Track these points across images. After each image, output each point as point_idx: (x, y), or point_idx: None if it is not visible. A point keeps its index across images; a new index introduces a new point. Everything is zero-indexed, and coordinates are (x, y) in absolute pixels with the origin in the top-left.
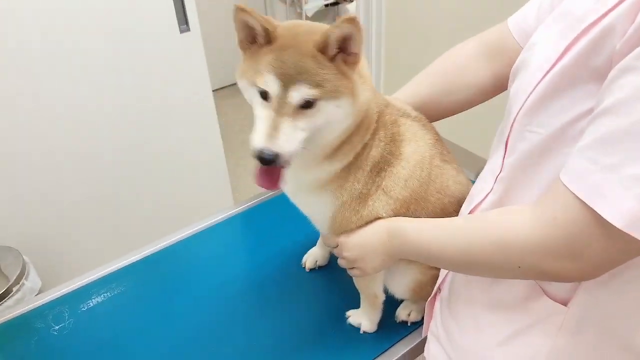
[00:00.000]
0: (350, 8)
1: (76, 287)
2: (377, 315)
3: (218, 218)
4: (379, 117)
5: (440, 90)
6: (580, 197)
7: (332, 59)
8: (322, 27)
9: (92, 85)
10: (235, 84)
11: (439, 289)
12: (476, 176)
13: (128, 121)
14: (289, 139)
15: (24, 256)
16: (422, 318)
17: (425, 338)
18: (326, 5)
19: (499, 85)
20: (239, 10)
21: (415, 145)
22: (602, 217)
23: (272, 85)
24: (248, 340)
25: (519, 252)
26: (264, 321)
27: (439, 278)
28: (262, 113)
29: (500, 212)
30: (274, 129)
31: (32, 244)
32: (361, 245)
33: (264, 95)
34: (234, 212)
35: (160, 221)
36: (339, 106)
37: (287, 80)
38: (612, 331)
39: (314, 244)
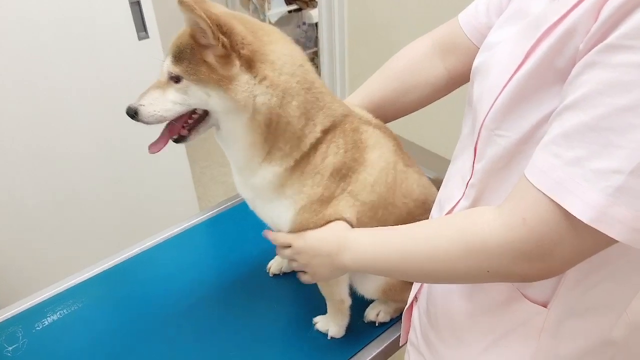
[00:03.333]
0: (314, 13)
1: (30, 305)
2: (344, 320)
3: (182, 227)
4: (338, 125)
5: (395, 89)
6: (546, 193)
7: (202, 47)
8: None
9: (50, 95)
10: None
11: (416, 298)
12: (435, 175)
13: (88, 129)
14: (151, 102)
15: None
16: (391, 319)
17: (399, 344)
18: (289, 12)
19: (453, 82)
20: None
21: (380, 152)
22: (570, 214)
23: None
24: (213, 350)
25: (489, 256)
26: (229, 330)
27: (414, 287)
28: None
29: (464, 216)
30: (146, 92)
31: None
32: (312, 251)
33: None
34: (199, 220)
35: (124, 232)
36: (208, 94)
37: (166, 54)
38: (593, 327)
39: None
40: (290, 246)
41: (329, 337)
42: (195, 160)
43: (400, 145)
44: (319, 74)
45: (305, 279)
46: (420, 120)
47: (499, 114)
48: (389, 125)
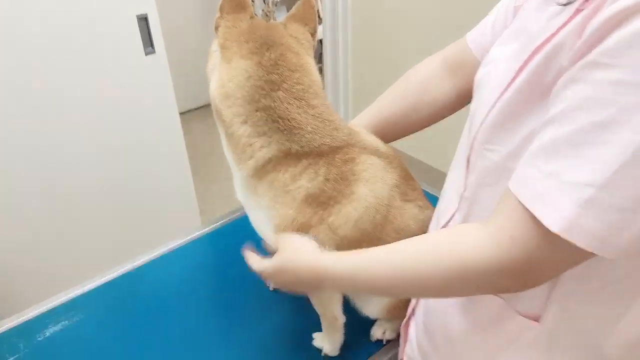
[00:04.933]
0: (319, 30)
1: (32, 316)
2: (338, 338)
3: (183, 240)
4: (323, 155)
5: (404, 107)
6: (526, 206)
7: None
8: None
9: (55, 109)
10: (204, 105)
11: (413, 312)
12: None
13: (92, 143)
14: None
15: None
16: (398, 336)
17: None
18: None
19: (462, 100)
20: None
21: (372, 187)
22: (546, 228)
23: None
24: None
25: (477, 275)
26: (229, 344)
27: (412, 301)
28: None
29: (450, 234)
30: None
31: None
32: (289, 285)
33: None
34: (200, 234)
35: (126, 247)
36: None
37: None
38: (584, 342)
39: None
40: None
41: (322, 354)
42: (198, 174)
43: (406, 176)
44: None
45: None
46: (430, 138)
47: (490, 128)
48: (399, 142)
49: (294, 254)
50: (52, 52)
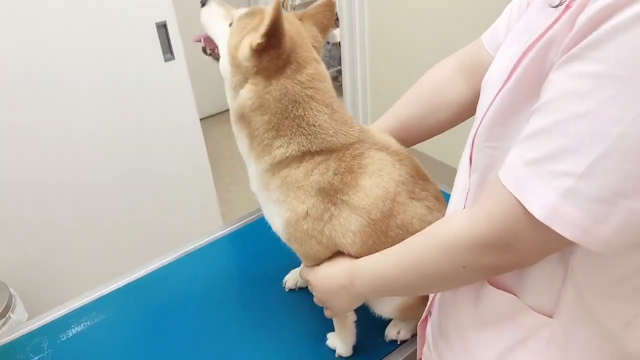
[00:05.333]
0: (337, 33)
1: (56, 317)
2: (349, 337)
3: (203, 242)
4: (334, 151)
5: (421, 110)
6: (509, 189)
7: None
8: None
9: (77, 115)
10: (224, 111)
11: (429, 311)
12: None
13: (115, 150)
14: (216, 15)
15: (10, 289)
16: (412, 336)
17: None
18: None
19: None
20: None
21: (377, 180)
22: (527, 210)
23: None
24: None
25: (461, 251)
26: (246, 344)
27: (429, 300)
28: None
29: (441, 220)
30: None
31: (19, 276)
32: (326, 288)
33: None
34: (219, 235)
35: (149, 249)
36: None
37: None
38: (603, 338)
39: (298, 265)
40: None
41: (336, 356)
42: (219, 178)
43: (419, 174)
44: (341, 93)
45: (328, 314)
46: (451, 139)
47: (489, 126)
48: (418, 147)
49: (328, 262)
50: (73, 60)
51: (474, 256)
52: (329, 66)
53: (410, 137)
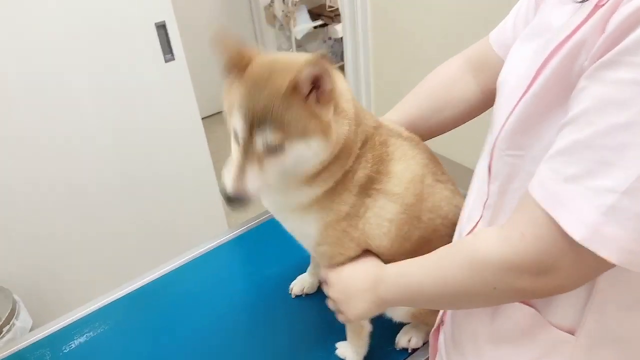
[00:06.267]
0: (339, 28)
1: (59, 328)
2: (362, 347)
3: (208, 246)
4: (368, 140)
5: (428, 108)
6: (544, 207)
7: (305, 98)
8: (299, 62)
9: (78, 117)
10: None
11: (442, 321)
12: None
13: (117, 152)
14: (255, 182)
15: (14, 295)
16: (423, 344)
17: None
18: (315, 28)
19: (488, 100)
20: (215, 37)
21: (406, 164)
22: (566, 233)
23: (239, 127)
24: None
25: (492, 272)
26: (252, 350)
27: (441, 310)
28: (233, 152)
29: (473, 235)
30: (242, 172)
31: (23, 282)
32: (347, 290)
33: (235, 132)
34: (224, 240)
35: (153, 252)
36: (309, 147)
37: (253, 123)
38: (626, 357)
39: (304, 270)
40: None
41: None
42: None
43: (434, 159)
44: None
45: (341, 319)
46: (458, 135)
47: (510, 133)
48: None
49: (355, 263)
50: (72, 61)
51: (507, 279)
52: (331, 62)
53: (417, 134)
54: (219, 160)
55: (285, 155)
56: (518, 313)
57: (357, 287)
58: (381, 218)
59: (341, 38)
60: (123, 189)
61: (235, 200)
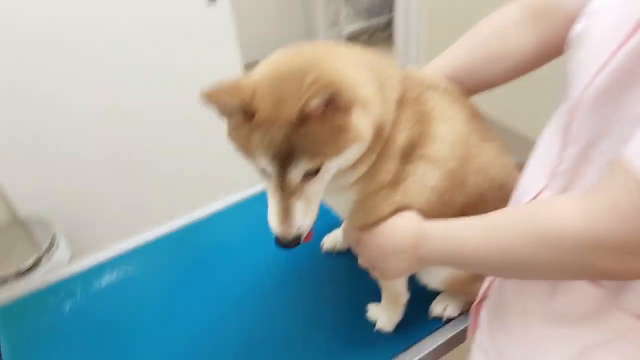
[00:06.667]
0: None
1: (89, 266)
2: (397, 315)
3: (235, 198)
4: (404, 95)
5: (479, 59)
6: None
7: (323, 118)
8: (305, 79)
9: (115, 61)
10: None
11: (485, 295)
12: (520, 160)
13: (154, 97)
14: (304, 216)
15: (54, 226)
16: (460, 314)
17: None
18: None
19: (545, 53)
20: (205, 97)
21: (448, 124)
22: None
23: (270, 167)
24: (262, 329)
25: (571, 248)
26: (280, 309)
27: (485, 282)
28: (269, 192)
29: (546, 203)
30: (286, 211)
31: (63, 214)
32: (384, 245)
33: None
34: (251, 193)
35: (192, 194)
36: (345, 157)
37: (284, 159)
38: None
39: (337, 225)
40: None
41: (375, 329)
42: None
43: (478, 114)
44: (391, 43)
45: (375, 275)
46: (504, 96)
47: (602, 90)
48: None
49: (391, 219)
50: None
51: (589, 256)
52: (379, 14)
53: (464, 88)
54: None
55: (323, 172)
56: (585, 293)
57: (395, 245)
58: (422, 185)
59: None
60: (162, 127)
61: (291, 243)
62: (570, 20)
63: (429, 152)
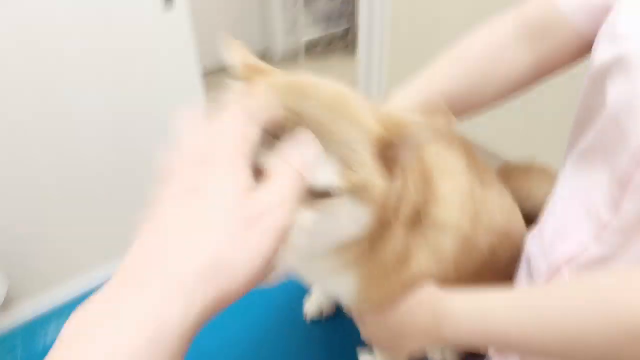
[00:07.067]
0: None
1: (34, 316)
2: None
3: None
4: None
5: (471, 83)
6: None
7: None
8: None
9: (67, 75)
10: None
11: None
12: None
13: (108, 112)
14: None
15: None
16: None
17: None
18: None
19: (541, 74)
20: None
21: (453, 181)
22: None
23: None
24: None
25: None
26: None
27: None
28: None
29: (622, 281)
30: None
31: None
32: (400, 328)
33: None
34: None
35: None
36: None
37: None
38: None
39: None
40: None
41: None
42: None
43: (471, 153)
44: (350, 53)
45: (386, 354)
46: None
47: None
48: None
49: (405, 298)
50: (58, 12)
51: None
52: (337, 24)
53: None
54: None
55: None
56: None
57: (412, 327)
58: (434, 258)
59: None
60: (114, 149)
61: None
62: (573, 39)
63: (439, 217)
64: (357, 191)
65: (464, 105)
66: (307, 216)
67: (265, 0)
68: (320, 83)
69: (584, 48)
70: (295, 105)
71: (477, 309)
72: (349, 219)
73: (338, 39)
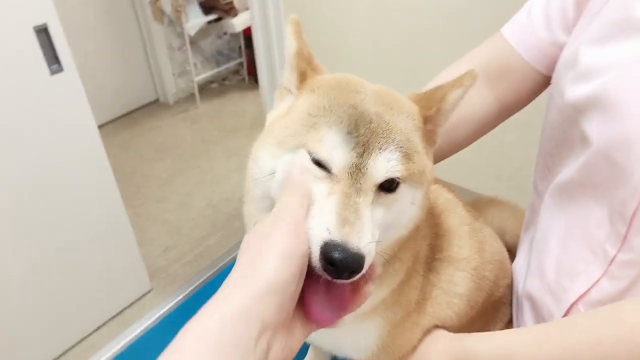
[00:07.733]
0: (235, 22)
1: None
2: None
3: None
4: None
5: None
6: None
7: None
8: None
9: None
10: (119, 117)
11: None
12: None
13: (5, 185)
14: (373, 233)
15: None
16: None
17: None
18: (209, 23)
19: (505, 113)
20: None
21: (456, 214)
22: None
23: (344, 150)
24: None
25: None
26: None
27: None
28: (322, 193)
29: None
30: (356, 213)
31: None
32: None
33: (320, 163)
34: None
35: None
36: (414, 198)
37: (370, 144)
38: None
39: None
40: None
41: None
42: (127, 199)
43: (453, 191)
44: (246, 88)
45: None
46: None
47: None
48: None
49: (421, 347)
50: None
51: None
52: (228, 59)
53: None
54: (120, 177)
55: (398, 195)
56: None
57: None
58: (451, 294)
59: (238, 33)
60: (15, 227)
61: (349, 257)
62: (530, 76)
63: (452, 253)
64: (415, 178)
65: (441, 149)
66: (379, 213)
67: (151, 50)
68: (359, 79)
69: (542, 83)
70: (353, 101)
71: (501, 348)
72: (409, 204)
73: (232, 74)
